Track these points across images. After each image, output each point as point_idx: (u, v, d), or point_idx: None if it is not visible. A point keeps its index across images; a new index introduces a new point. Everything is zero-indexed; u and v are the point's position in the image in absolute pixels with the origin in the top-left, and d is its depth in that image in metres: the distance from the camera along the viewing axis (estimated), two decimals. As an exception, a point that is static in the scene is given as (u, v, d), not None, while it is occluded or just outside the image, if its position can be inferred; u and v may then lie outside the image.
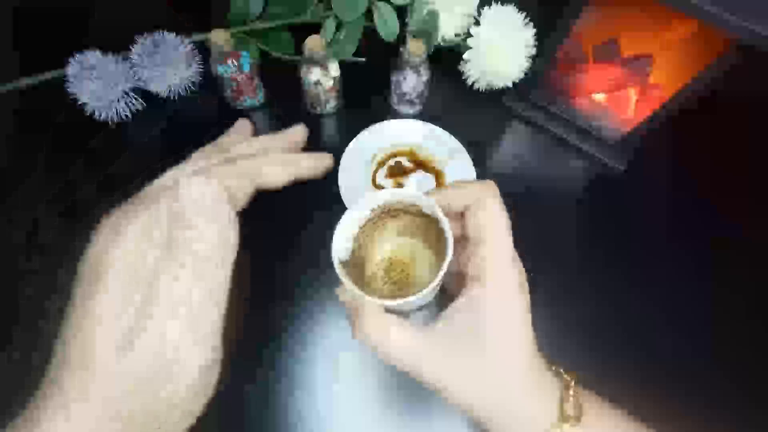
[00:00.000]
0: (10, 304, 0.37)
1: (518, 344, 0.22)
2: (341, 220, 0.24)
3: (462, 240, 0.24)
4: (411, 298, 0.22)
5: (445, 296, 0.24)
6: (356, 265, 0.26)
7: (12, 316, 0.37)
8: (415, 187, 0.46)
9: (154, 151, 0.47)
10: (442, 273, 0.22)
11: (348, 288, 0.22)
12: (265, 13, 0.51)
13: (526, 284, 0.23)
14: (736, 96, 0.51)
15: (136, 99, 0.47)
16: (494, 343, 0.21)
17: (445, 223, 0.23)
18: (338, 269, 0.23)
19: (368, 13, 0.50)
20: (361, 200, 0.24)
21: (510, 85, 0.51)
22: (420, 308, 0.28)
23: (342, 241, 0.24)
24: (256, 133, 0.26)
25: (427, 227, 0.26)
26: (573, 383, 0.22)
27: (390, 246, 0.28)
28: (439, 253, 0.23)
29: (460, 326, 0.22)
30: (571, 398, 0.22)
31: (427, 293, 0.22)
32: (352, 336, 0.23)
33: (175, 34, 0.47)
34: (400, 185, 0.46)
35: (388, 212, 0.26)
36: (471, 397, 0.22)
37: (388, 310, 0.22)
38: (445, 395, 0.22)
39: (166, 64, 0.46)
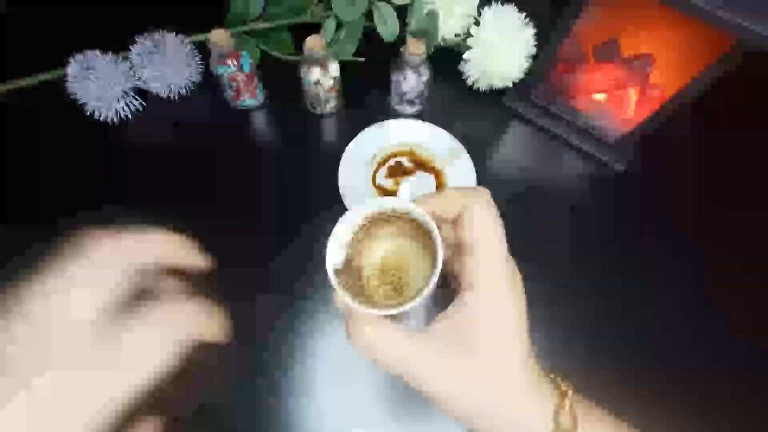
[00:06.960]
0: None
1: (511, 350, 0.22)
2: (334, 229, 0.24)
3: (458, 246, 0.24)
4: (401, 308, 0.22)
5: (441, 300, 0.24)
6: (352, 270, 0.26)
7: None
8: (410, 190, 0.46)
9: (154, 151, 0.47)
10: (432, 283, 0.22)
11: (341, 297, 0.22)
12: (265, 13, 0.51)
13: (522, 289, 0.23)
14: (736, 96, 0.51)
15: (136, 99, 0.47)
16: (486, 349, 0.21)
17: (436, 234, 0.22)
18: (332, 278, 0.23)
19: (368, 13, 0.50)
20: (353, 208, 0.24)
21: (510, 85, 0.51)
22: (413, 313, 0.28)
23: (335, 250, 0.24)
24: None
25: (421, 232, 0.26)
26: (569, 392, 0.22)
27: (384, 250, 0.28)
28: (433, 256, 0.23)
29: (452, 332, 0.22)
30: (566, 407, 0.21)
31: (419, 302, 0.22)
32: (347, 341, 0.23)
33: (175, 34, 0.47)
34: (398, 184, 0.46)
35: (382, 218, 0.26)
36: (464, 404, 0.22)
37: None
38: (438, 403, 0.22)
39: (166, 64, 0.46)
